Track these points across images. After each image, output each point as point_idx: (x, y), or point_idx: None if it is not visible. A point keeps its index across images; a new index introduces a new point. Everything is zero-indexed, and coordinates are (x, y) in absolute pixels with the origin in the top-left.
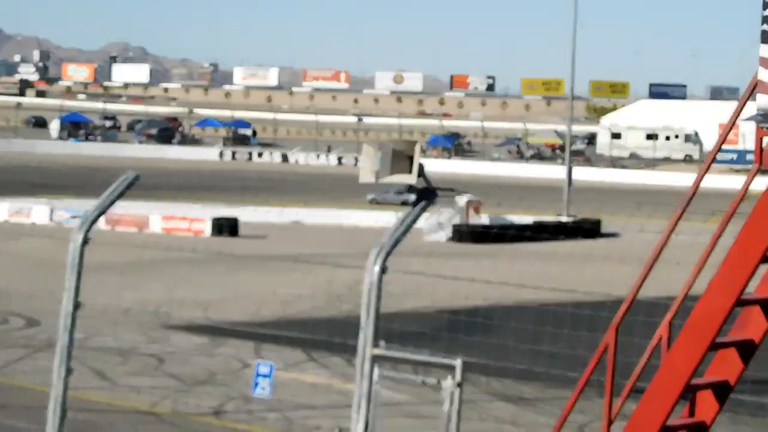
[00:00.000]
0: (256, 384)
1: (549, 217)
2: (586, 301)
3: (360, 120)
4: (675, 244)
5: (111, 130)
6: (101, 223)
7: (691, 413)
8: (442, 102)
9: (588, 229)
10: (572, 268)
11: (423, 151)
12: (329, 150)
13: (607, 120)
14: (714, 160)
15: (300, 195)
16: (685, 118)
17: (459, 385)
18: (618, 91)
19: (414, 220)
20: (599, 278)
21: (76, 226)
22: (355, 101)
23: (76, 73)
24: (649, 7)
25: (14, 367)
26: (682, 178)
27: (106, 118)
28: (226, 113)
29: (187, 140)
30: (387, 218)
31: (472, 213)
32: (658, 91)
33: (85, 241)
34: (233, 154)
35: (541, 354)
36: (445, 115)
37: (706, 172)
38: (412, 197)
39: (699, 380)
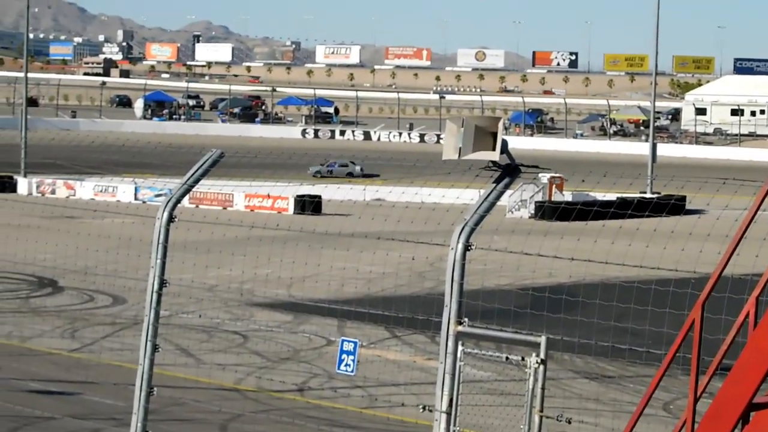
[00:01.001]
0: (341, 361)
1: (633, 194)
2: (672, 278)
3: (442, 97)
4: (762, 220)
5: (194, 109)
6: (185, 201)
7: None
8: (524, 79)
9: (673, 206)
10: (657, 245)
11: (505, 128)
12: (411, 127)
13: (691, 96)
14: None
15: (382, 172)
16: None
17: (543, 362)
18: (702, 66)
19: (497, 198)
20: (684, 255)
21: (161, 204)
22: (437, 79)
23: (160, 52)
24: None
25: (101, 344)
26: None
27: (190, 97)
28: (309, 91)
29: (270, 119)
30: (470, 195)
31: (555, 190)
32: (743, 66)
33: (171, 219)
34: (316, 132)
35: (626, 331)
36: (546, 93)
37: None
38: (357, 168)
39: None
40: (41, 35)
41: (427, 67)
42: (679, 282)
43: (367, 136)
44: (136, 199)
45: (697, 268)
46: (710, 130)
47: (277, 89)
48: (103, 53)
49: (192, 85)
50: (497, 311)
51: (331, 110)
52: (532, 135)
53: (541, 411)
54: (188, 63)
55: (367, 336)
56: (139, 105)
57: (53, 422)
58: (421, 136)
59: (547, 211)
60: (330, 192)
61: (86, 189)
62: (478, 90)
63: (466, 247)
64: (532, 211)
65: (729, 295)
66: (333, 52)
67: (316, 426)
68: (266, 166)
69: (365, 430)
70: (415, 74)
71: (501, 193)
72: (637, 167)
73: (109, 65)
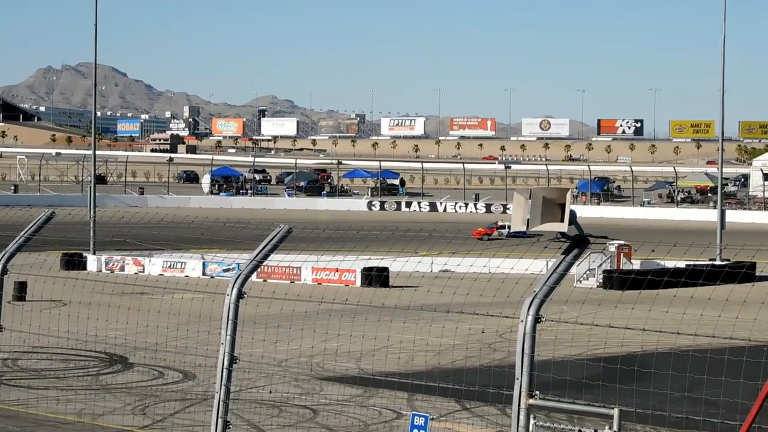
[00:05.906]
0: None
1: (702, 262)
2: (745, 347)
3: (507, 167)
4: None
5: (261, 183)
6: (252, 275)
7: None
8: (589, 147)
9: (743, 273)
10: (729, 313)
11: (574, 197)
12: (477, 198)
13: (758, 161)
14: None
15: (450, 244)
16: None
17: None
18: None
19: (567, 269)
20: (758, 323)
21: (231, 280)
22: (502, 148)
23: (226, 127)
24: None
25: (172, 421)
26: None
27: (256, 171)
28: (374, 164)
29: (336, 191)
30: (539, 266)
31: (624, 259)
32: None
33: (240, 296)
34: (382, 204)
35: (700, 402)
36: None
37: None
38: None
39: None
40: (109, 113)
41: (491, 137)
42: (752, 351)
43: (433, 207)
44: (204, 274)
45: None
46: None
47: (343, 162)
48: (170, 129)
49: (258, 159)
50: (569, 382)
51: (396, 182)
52: (599, 203)
53: None
54: (254, 137)
55: (438, 409)
56: (206, 180)
57: None
58: (488, 207)
59: (617, 280)
60: (398, 264)
61: (155, 265)
62: (544, 159)
63: (537, 320)
64: (601, 281)
65: None
66: (397, 124)
67: None
68: (333, 240)
69: None
70: (480, 144)
71: (570, 265)
72: (706, 234)
73: (176, 141)
